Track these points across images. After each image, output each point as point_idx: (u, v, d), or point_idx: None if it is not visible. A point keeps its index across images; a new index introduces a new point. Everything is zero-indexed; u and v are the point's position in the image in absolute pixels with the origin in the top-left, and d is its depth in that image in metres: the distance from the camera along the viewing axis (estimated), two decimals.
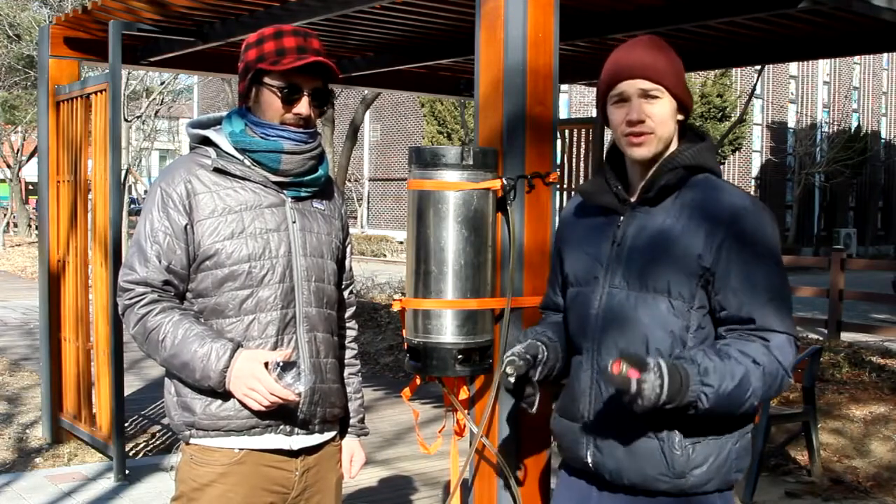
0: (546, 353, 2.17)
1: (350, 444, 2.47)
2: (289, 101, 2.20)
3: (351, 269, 2.50)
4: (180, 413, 2.21)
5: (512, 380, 2.09)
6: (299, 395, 2.13)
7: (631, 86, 2.05)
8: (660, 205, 2.08)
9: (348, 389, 2.46)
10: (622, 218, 2.12)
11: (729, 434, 2.03)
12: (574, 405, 2.14)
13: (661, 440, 2.00)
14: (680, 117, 2.11)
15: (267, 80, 2.19)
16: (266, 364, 2.10)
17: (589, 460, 2.10)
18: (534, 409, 2.14)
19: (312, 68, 2.19)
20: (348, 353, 2.51)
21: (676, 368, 1.89)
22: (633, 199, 2.12)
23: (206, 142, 2.27)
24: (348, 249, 2.46)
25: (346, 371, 2.48)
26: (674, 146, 2.11)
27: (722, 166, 29.12)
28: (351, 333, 2.52)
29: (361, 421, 2.51)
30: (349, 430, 2.47)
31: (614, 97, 2.09)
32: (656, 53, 2.06)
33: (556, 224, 2.97)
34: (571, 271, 2.21)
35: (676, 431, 1.99)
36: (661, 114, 2.05)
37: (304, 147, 2.24)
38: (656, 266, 2.02)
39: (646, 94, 2.04)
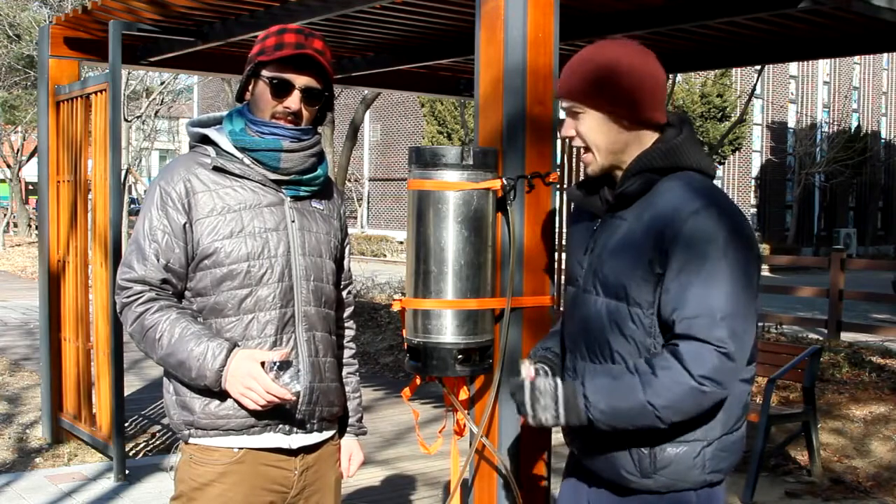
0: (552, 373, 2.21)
1: (348, 443, 2.47)
2: (278, 93, 2.20)
3: (349, 269, 2.50)
4: (179, 412, 2.21)
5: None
6: (296, 394, 2.13)
7: (562, 103, 2.12)
8: (628, 209, 2.07)
9: (347, 389, 2.46)
10: (598, 223, 2.14)
11: (700, 437, 2.01)
12: None
13: (628, 441, 2.02)
14: (626, 123, 2.05)
15: (263, 72, 2.21)
16: (263, 363, 2.10)
17: (577, 452, 2.18)
18: None
19: (305, 64, 2.19)
20: (346, 353, 2.51)
21: (568, 387, 2.00)
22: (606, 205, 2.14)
23: (206, 140, 2.27)
24: (347, 250, 2.47)
25: (345, 371, 2.48)
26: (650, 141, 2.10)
27: (722, 166, 29.17)
28: (349, 333, 2.53)
29: (360, 420, 2.51)
30: (348, 429, 2.48)
31: None
32: (575, 69, 2.07)
33: (556, 224, 2.99)
34: (566, 272, 2.26)
35: (644, 434, 2.00)
36: (585, 130, 2.07)
37: (302, 143, 2.25)
38: (617, 273, 2.03)
39: (571, 112, 2.09)
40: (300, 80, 2.21)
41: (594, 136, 2.07)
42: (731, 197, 2.10)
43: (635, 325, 2.00)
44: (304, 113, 2.24)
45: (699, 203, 1.96)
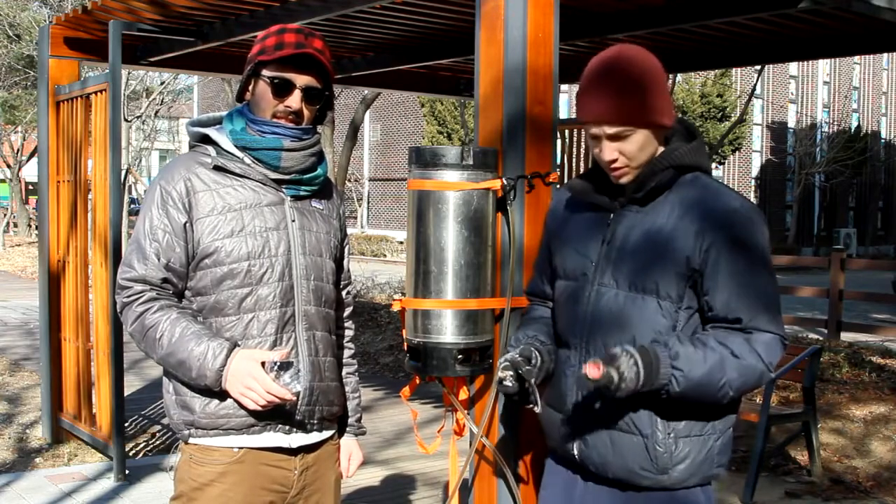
0: (540, 358, 2.19)
1: (348, 443, 2.47)
2: (279, 93, 2.20)
3: (348, 269, 2.51)
4: (179, 412, 2.21)
5: (509, 384, 2.11)
6: (296, 394, 2.13)
7: (599, 129, 2.06)
8: (649, 204, 2.10)
9: (346, 389, 2.46)
10: (612, 216, 2.14)
11: (711, 431, 2.07)
12: (561, 400, 2.18)
13: (644, 437, 2.04)
14: (660, 134, 2.10)
15: (263, 72, 2.21)
16: (263, 363, 2.10)
17: (575, 453, 2.15)
18: (538, 408, 2.16)
19: (306, 63, 2.20)
20: (346, 353, 2.51)
21: (647, 350, 1.95)
22: (622, 198, 2.14)
23: (207, 140, 2.27)
24: (346, 250, 2.47)
25: (344, 371, 2.48)
26: (661, 149, 2.12)
27: (722, 166, 29.18)
28: (348, 333, 2.53)
29: (359, 420, 2.51)
30: (347, 429, 2.48)
31: (588, 133, 2.11)
32: (619, 90, 2.02)
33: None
34: (561, 266, 2.24)
35: (660, 428, 2.03)
36: (632, 149, 2.06)
37: (303, 143, 2.25)
38: (645, 266, 2.04)
39: (615, 136, 2.05)
40: (301, 80, 2.21)
41: (642, 153, 2.08)
42: None
43: (664, 319, 2.03)
44: (305, 112, 2.24)
45: (739, 202, 2.05)
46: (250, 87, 2.26)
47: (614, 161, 2.07)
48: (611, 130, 2.05)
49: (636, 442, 2.04)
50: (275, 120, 2.22)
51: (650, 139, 2.07)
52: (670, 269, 2.02)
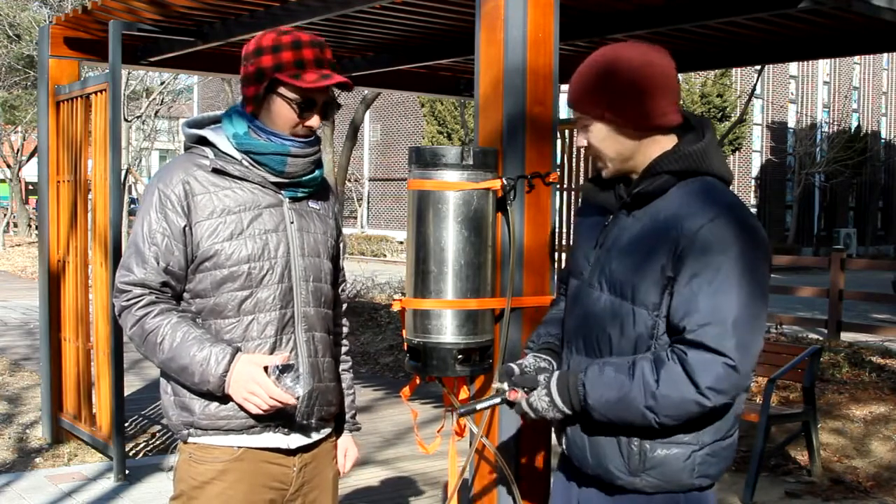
0: (554, 366, 2.21)
1: (343, 440, 2.47)
2: (303, 113, 2.20)
3: (343, 267, 2.51)
4: (178, 413, 2.21)
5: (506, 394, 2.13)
6: (298, 398, 2.13)
7: (572, 112, 2.13)
8: (642, 209, 2.05)
9: (341, 385, 2.47)
10: (610, 218, 2.13)
11: (694, 441, 2.00)
12: None
13: (618, 436, 2.02)
14: (633, 133, 2.03)
15: (283, 90, 2.17)
16: (265, 368, 2.11)
17: (564, 447, 2.16)
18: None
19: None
20: (341, 350, 2.52)
21: (565, 379, 2.03)
22: (623, 199, 2.12)
23: (204, 142, 2.26)
24: (341, 247, 2.47)
25: (339, 367, 2.48)
26: (666, 148, 2.06)
27: None
28: (344, 330, 2.54)
29: (354, 417, 2.52)
30: (343, 426, 2.48)
31: None
32: (584, 81, 2.05)
33: (556, 224, 3.00)
34: (571, 264, 2.25)
35: (635, 431, 2.00)
36: (595, 141, 2.07)
37: (308, 150, 2.25)
38: (626, 272, 2.01)
39: (580, 124, 2.09)
40: (321, 98, 2.22)
41: (603, 147, 2.06)
42: None
43: (637, 325, 1.99)
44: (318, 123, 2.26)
45: (717, 210, 1.94)
46: (263, 101, 2.19)
47: (585, 149, 2.12)
48: (575, 116, 2.11)
49: (610, 440, 2.03)
50: (293, 136, 2.22)
51: (613, 136, 2.04)
52: (649, 276, 1.97)
